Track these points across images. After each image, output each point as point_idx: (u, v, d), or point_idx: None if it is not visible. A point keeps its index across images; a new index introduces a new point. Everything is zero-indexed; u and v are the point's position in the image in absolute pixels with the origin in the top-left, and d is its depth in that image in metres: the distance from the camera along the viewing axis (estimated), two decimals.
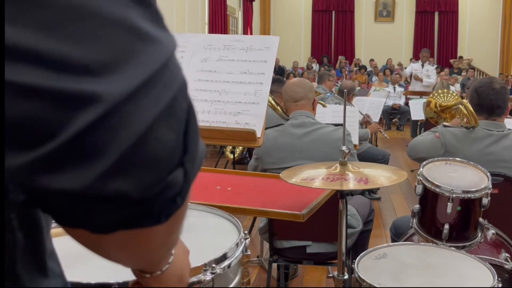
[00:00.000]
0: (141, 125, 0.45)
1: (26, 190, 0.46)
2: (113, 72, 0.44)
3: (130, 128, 0.45)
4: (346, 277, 1.85)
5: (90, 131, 0.43)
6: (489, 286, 1.53)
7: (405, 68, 11.02)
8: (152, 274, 0.68)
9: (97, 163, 0.44)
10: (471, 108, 2.49)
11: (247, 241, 1.37)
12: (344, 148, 1.82)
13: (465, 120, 2.59)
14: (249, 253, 1.37)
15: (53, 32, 0.42)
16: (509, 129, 2.51)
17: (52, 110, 0.42)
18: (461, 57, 15.62)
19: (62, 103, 0.42)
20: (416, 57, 13.86)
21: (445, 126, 2.62)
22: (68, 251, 1.04)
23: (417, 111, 7.78)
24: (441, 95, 3.79)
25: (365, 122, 5.21)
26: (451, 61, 15.06)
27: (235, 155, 4.75)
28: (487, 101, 2.46)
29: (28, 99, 0.42)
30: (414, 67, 9.55)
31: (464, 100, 2.63)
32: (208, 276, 1.18)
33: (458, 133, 2.51)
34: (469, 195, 1.87)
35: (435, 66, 14.32)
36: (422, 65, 9.48)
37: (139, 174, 0.46)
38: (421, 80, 9.23)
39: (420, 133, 7.91)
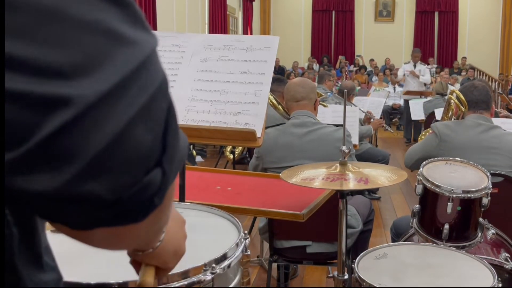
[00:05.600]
0: (115, 128, 0.45)
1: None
2: (86, 75, 0.44)
3: (103, 131, 0.45)
4: (346, 277, 1.85)
5: (62, 134, 0.43)
6: (489, 286, 1.53)
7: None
8: (144, 252, 0.70)
9: (69, 165, 0.44)
10: (461, 96, 2.71)
11: (247, 241, 1.37)
12: (344, 148, 1.82)
13: (453, 118, 2.78)
14: (249, 253, 1.37)
15: (24, 35, 0.43)
16: (496, 125, 2.66)
17: (24, 113, 0.43)
18: (464, 58, 15.58)
19: (34, 106, 0.43)
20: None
21: (436, 121, 2.80)
22: (69, 250, 1.04)
23: (417, 111, 7.79)
24: (429, 131, 4.05)
25: (367, 119, 5.20)
26: (455, 63, 15.04)
27: (235, 155, 4.75)
28: (471, 96, 2.66)
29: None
30: (406, 69, 9.49)
31: (453, 89, 2.84)
32: (208, 276, 1.18)
33: (449, 123, 2.70)
34: (469, 195, 1.87)
35: (435, 66, 14.36)
36: (414, 65, 9.43)
37: (113, 176, 0.47)
38: (417, 77, 9.20)
39: (419, 133, 7.94)
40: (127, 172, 0.47)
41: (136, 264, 0.75)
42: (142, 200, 0.50)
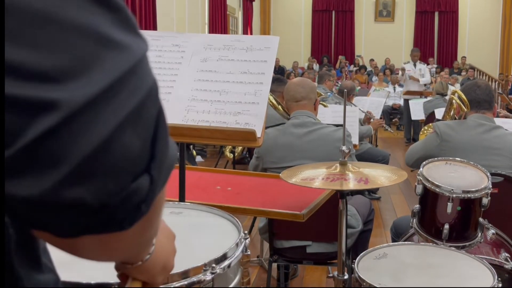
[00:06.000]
0: (102, 132, 0.45)
1: None
2: (73, 79, 0.44)
3: (90, 135, 0.44)
4: (346, 277, 1.85)
5: (47, 138, 0.43)
6: (489, 286, 1.53)
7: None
8: (133, 265, 0.68)
9: (55, 170, 0.44)
10: (463, 96, 2.70)
11: (247, 241, 1.37)
12: (344, 148, 1.82)
13: (455, 117, 2.77)
14: (249, 253, 1.37)
15: (13, 38, 0.42)
16: (499, 125, 2.65)
17: (10, 116, 0.42)
18: (464, 57, 15.59)
19: (19, 109, 0.42)
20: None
21: (437, 120, 2.78)
22: None
23: (417, 111, 7.79)
24: (431, 127, 3.99)
25: (367, 119, 5.20)
26: (455, 63, 15.04)
27: (235, 155, 4.75)
28: (473, 96, 2.65)
29: None
30: (407, 68, 9.50)
31: (454, 89, 2.81)
32: (208, 276, 1.18)
33: (451, 123, 2.68)
34: (469, 195, 1.87)
35: (435, 66, 14.36)
36: (414, 65, 9.45)
37: (99, 181, 0.46)
38: (417, 81, 9.23)
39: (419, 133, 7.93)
40: (114, 178, 0.47)
41: (123, 277, 0.73)
42: (129, 207, 0.49)
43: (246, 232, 1.39)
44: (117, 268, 0.72)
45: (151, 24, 7.84)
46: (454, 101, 2.84)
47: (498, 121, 3.01)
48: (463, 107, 2.68)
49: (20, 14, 0.43)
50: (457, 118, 2.83)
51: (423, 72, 9.38)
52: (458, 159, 2.08)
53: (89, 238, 0.50)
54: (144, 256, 0.68)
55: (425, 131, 4.35)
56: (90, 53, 0.45)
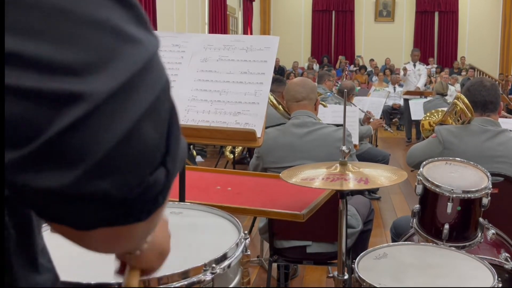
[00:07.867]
0: (125, 125, 0.46)
1: (10, 187, 0.46)
2: (96, 72, 0.45)
3: (114, 128, 0.45)
4: (346, 277, 1.85)
5: (73, 131, 0.44)
6: (489, 286, 1.53)
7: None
8: (131, 254, 0.70)
9: (80, 162, 0.45)
10: (466, 101, 2.57)
11: (247, 241, 1.37)
12: (344, 148, 1.82)
13: (459, 121, 2.66)
14: (249, 253, 1.37)
15: (35, 34, 0.43)
16: (504, 128, 2.55)
17: (36, 109, 0.43)
18: (463, 57, 15.60)
19: (45, 102, 0.43)
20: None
21: (441, 124, 2.67)
22: (69, 250, 1.04)
23: (417, 111, 7.79)
24: (434, 114, 3.92)
25: (367, 119, 5.20)
26: (455, 63, 15.04)
27: (235, 155, 4.75)
28: (479, 97, 2.54)
29: (13, 99, 0.43)
30: (407, 68, 9.57)
31: (458, 94, 2.71)
32: (208, 276, 1.18)
33: (454, 129, 2.57)
34: (469, 195, 1.87)
35: (435, 66, 14.36)
36: (414, 65, 9.50)
37: (122, 174, 0.47)
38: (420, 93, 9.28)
39: (420, 133, 7.92)
40: (134, 170, 0.48)
41: (122, 266, 0.75)
42: (148, 199, 0.51)
43: (246, 232, 1.39)
44: (117, 257, 0.73)
45: (151, 24, 7.84)
46: (458, 107, 2.68)
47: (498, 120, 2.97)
48: (468, 113, 2.55)
49: (43, 10, 0.44)
50: (460, 120, 2.72)
51: (421, 73, 9.41)
52: (458, 159, 2.08)
53: (104, 230, 0.51)
54: (142, 245, 0.69)
55: (427, 118, 4.23)
56: (109, 47, 0.46)
